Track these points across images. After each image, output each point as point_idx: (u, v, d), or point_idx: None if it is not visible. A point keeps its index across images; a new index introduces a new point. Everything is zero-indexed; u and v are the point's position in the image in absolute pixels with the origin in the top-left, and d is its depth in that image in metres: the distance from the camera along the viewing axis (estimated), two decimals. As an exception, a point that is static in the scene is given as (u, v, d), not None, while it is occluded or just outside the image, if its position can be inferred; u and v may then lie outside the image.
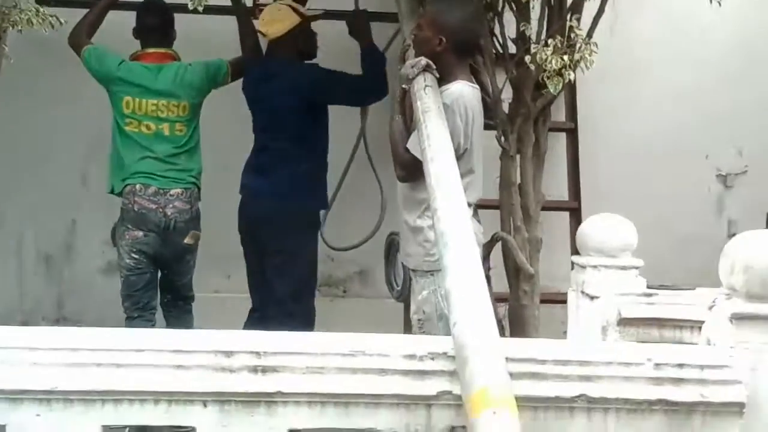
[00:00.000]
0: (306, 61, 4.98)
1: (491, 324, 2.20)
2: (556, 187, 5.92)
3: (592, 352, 2.32)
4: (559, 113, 6.06)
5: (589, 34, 4.34)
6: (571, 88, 6.05)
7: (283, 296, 4.80)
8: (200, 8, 4.33)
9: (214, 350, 2.25)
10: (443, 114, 3.61)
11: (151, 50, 4.91)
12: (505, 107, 4.60)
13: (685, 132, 6.13)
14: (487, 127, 4.33)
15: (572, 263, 3.53)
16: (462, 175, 3.29)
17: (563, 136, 6.08)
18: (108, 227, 5.21)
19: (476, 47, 4.17)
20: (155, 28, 4.93)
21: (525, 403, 2.17)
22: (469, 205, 3.59)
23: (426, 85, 3.72)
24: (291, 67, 4.87)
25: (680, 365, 2.23)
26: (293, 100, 4.77)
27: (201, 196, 4.96)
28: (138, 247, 4.81)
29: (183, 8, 4.51)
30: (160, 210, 4.77)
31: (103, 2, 4.96)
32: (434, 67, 3.84)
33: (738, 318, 2.25)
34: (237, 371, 2.23)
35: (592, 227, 3.44)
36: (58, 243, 5.94)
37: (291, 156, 4.83)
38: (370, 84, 4.83)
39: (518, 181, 4.57)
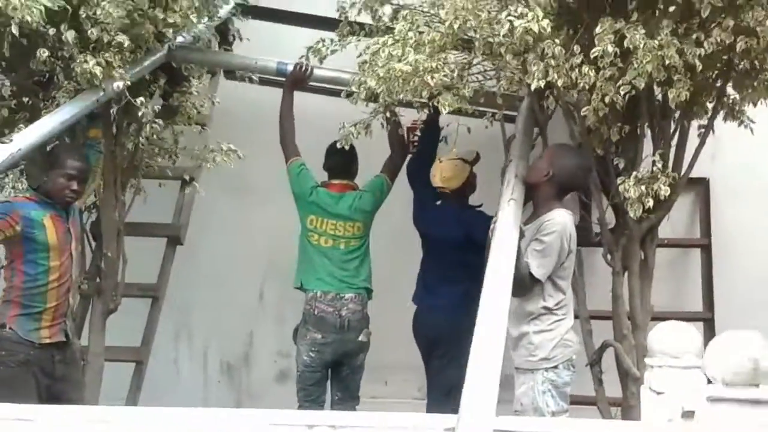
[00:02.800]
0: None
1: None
2: (692, 298, 6.42)
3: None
4: (694, 230, 6.64)
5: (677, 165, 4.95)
6: (706, 208, 6.63)
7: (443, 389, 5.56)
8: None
9: (302, 423, 3.02)
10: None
11: (335, 181, 5.91)
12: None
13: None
14: (595, 244, 5.11)
15: (645, 364, 4.09)
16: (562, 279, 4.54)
17: (698, 251, 6.60)
18: (280, 339, 6.14)
19: (572, 189, 5.01)
20: (339, 166, 5.91)
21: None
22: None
23: (510, 198, 4.54)
24: (463, 213, 5.78)
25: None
26: (465, 240, 5.62)
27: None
28: (316, 347, 5.65)
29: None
30: (336, 312, 5.64)
31: (285, 107, 5.88)
32: None
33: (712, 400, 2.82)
34: (317, 438, 2.98)
35: (659, 333, 3.99)
36: (237, 353, 6.88)
37: (457, 278, 5.65)
38: None
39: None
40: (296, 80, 5.91)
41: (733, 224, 6.63)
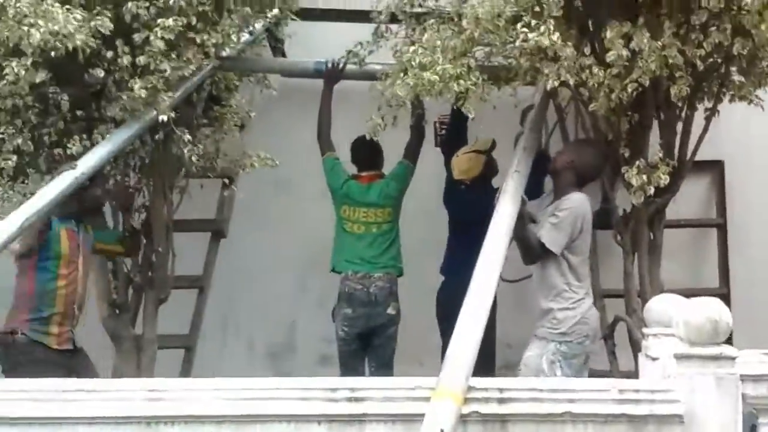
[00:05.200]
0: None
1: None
2: (709, 275, 6.89)
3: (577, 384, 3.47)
4: (711, 211, 7.11)
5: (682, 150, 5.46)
6: (721, 189, 7.09)
7: None
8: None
9: (324, 387, 3.57)
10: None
11: (363, 173, 6.55)
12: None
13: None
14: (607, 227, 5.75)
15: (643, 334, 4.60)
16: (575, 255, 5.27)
17: (714, 230, 7.07)
18: (322, 326, 6.73)
19: (591, 178, 5.64)
20: (365, 159, 6.56)
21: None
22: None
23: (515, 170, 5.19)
24: (486, 196, 6.03)
25: (636, 390, 3.34)
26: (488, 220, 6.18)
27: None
28: (348, 321, 6.30)
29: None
30: (365, 289, 6.27)
31: (324, 103, 6.47)
32: None
33: (678, 357, 3.33)
34: (339, 401, 3.53)
35: (652, 305, 4.50)
36: (281, 340, 7.44)
37: None
38: None
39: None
40: (330, 77, 6.47)
41: (747, 204, 7.12)
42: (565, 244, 5.33)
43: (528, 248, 5.34)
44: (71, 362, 5.43)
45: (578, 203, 5.41)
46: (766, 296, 6.81)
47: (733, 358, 3.39)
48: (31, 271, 5.35)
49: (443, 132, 6.89)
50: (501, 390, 3.52)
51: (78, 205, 5.56)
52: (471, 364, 3.61)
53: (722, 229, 7.10)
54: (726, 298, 6.82)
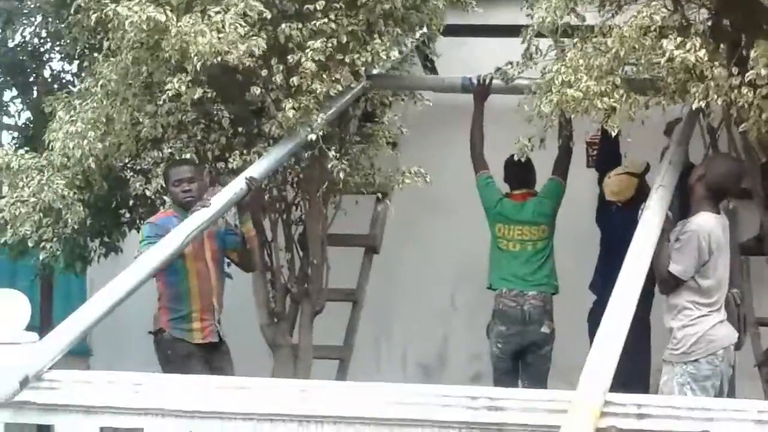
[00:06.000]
0: None
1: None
2: None
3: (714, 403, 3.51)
4: None
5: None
6: None
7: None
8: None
9: (465, 396, 3.71)
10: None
11: (516, 192, 6.64)
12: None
13: None
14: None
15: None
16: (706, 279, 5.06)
17: None
18: (473, 342, 6.89)
19: (726, 194, 5.46)
20: (518, 178, 6.64)
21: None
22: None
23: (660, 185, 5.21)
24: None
25: None
26: None
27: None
28: (502, 339, 6.40)
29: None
30: (519, 307, 6.35)
31: (476, 120, 6.59)
32: None
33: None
34: (478, 409, 3.66)
35: None
36: (433, 355, 7.62)
37: None
38: None
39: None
40: (479, 93, 6.62)
41: None
42: (693, 268, 5.12)
43: (660, 275, 5.16)
44: (212, 354, 5.62)
45: (701, 223, 5.16)
46: None
47: None
48: (162, 273, 5.39)
49: (594, 152, 6.93)
50: (639, 406, 3.58)
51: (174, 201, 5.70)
52: (609, 378, 3.67)
53: None
54: None
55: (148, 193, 6.06)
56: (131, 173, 6.57)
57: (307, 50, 5.57)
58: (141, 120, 5.88)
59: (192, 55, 5.26)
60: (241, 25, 5.37)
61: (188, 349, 5.54)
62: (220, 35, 5.28)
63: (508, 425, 3.62)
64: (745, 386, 5.60)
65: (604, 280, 6.28)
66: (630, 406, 3.57)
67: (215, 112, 5.99)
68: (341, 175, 5.92)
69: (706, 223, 5.18)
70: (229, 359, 5.72)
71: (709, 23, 5.34)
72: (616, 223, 6.39)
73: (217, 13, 5.38)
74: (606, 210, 6.58)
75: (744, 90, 4.94)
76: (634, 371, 6.06)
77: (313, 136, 5.76)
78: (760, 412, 3.44)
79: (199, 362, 5.50)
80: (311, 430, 3.86)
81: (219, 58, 5.32)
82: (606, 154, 6.67)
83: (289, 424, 3.88)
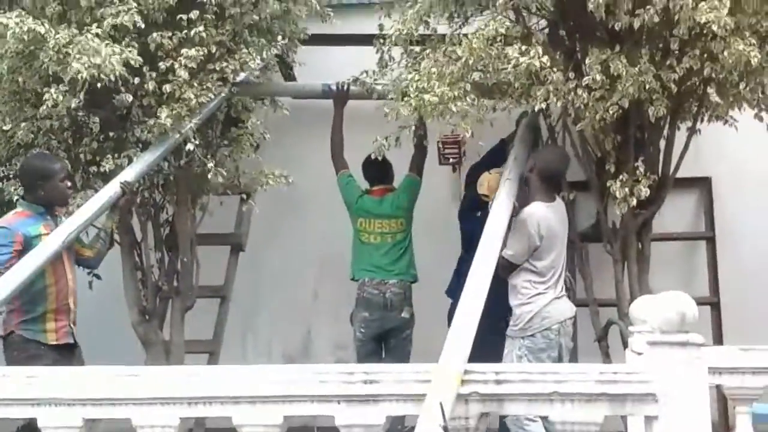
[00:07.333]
0: None
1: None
2: (699, 285, 7.43)
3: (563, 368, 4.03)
4: (700, 224, 7.66)
5: (665, 165, 6.02)
6: (709, 204, 7.63)
7: None
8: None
9: (343, 372, 4.11)
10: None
11: (375, 188, 7.15)
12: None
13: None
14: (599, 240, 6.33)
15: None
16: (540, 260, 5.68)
17: (704, 243, 7.62)
18: (336, 333, 7.33)
19: (555, 179, 6.06)
20: (376, 175, 7.14)
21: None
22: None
23: (506, 178, 5.76)
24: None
25: (615, 372, 3.91)
26: None
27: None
28: (365, 324, 6.86)
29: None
30: (381, 294, 6.83)
31: (336, 123, 7.03)
32: None
33: (651, 343, 3.89)
34: (355, 383, 4.07)
35: (635, 305, 5.01)
36: (297, 346, 8.00)
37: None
38: None
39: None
40: (338, 99, 7.08)
41: (734, 218, 7.67)
42: (526, 252, 5.78)
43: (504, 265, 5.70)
44: (65, 357, 5.48)
45: (531, 212, 5.79)
46: (753, 304, 7.34)
47: (699, 345, 3.93)
48: None
49: (446, 151, 7.43)
50: (497, 373, 4.05)
51: (46, 199, 5.59)
52: (467, 349, 4.14)
53: (711, 241, 7.63)
54: (716, 306, 7.41)
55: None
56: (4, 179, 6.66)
57: (181, 58, 5.90)
58: (12, 127, 6.09)
59: (71, 72, 5.52)
60: (116, 40, 5.71)
61: (39, 350, 5.41)
62: (98, 61, 5.54)
63: (382, 395, 4.03)
64: (586, 361, 6.16)
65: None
66: (489, 373, 4.03)
67: (86, 118, 6.24)
68: (219, 178, 6.28)
69: (537, 210, 5.83)
70: (82, 363, 5.61)
71: (547, 32, 5.94)
72: (479, 230, 6.83)
73: (91, 31, 5.65)
74: (470, 215, 6.83)
75: (580, 92, 5.54)
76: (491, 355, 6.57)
77: (191, 146, 6.09)
78: (600, 373, 3.97)
79: (49, 364, 5.21)
80: (200, 410, 4.16)
81: (103, 73, 5.59)
82: (489, 165, 6.88)
83: (179, 406, 4.16)
